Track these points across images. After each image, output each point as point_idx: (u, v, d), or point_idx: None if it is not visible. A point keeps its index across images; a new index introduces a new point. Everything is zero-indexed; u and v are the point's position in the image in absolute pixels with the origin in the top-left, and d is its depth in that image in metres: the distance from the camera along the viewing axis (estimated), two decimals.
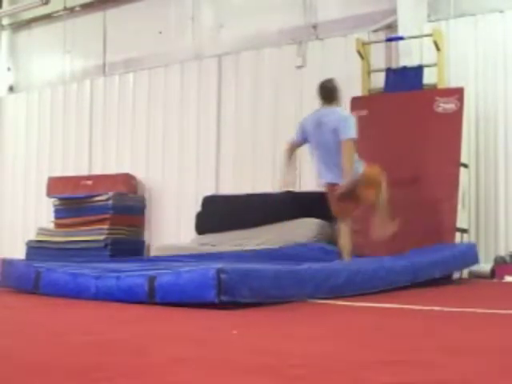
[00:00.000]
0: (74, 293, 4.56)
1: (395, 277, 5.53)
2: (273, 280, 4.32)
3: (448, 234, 7.39)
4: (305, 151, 9.41)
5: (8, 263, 5.28)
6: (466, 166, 7.82)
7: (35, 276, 4.86)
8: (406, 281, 5.62)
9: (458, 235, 7.48)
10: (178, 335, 3.05)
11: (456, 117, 7.70)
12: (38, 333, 3.10)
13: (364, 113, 8.16)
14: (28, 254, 10.79)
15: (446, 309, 4.24)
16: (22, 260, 5.56)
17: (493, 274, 7.44)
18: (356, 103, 8.29)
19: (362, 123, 8.21)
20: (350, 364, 2.32)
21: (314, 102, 9.43)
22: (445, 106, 7.74)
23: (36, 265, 5.13)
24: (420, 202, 7.54)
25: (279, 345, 2.75)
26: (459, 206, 7.54)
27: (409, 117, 7.98)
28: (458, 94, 7.78)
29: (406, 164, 7.81)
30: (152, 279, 4.19)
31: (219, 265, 4.14)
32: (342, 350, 2.66)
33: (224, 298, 3.93)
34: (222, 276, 3.94)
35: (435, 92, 7.94)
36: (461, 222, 7.60)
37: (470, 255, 6.88)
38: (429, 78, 8.10)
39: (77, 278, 4.65)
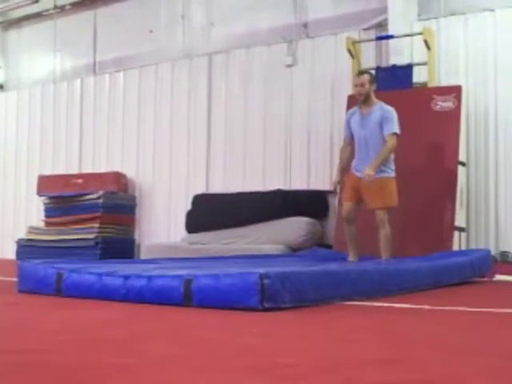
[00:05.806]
0: (101, 294, 4.29)
1: (420, 279, 5.43)
2: (311, 282, 4.15)
3: (446, 233, 7.39)
4: (294, 150, 9.50)
5: (25, 266, 4.92)
6: (463, 164, 7.82)
7: (56, 278, 4.57)
8: (429, 284, 5.49)
9: (455, 234, 7.46)
10: (169, 334, 3.04)
11: (454, 115, 7.68)
12: (28, 331, 3.08)
13: None
14: (18, 252, 10.76)
15: (436, 307, 4.24)
16: (41, 261, 5.31)
17: None
18: (353, 101, 8.24)
19: None
20: (342, 363, 2.31)
21: (304, 100, 9.52)
22: (442, 104, 7.73)
23: (57, 266, 4.79)
24: (418, 200, 7.52)
25: (272, 345, 2.74)
26: (457, 205, 7.54)
27: (406, 115, 7.91)
28: (455, 92, 7.76)
29: (404, 162, 7.76)
30: (188, 282, 3.99)
31: (261, 270, 3.92)
32: (337, 349, 2.65)
33: (267, 305, 3.75)
34: (265, 281, 3.76)
35: (432, 90, 7.91)
36: (459, 221, 7.59)
37: (487, 262, 6.82)
38: (419, 76, 8.10)
39: (103, 278, 4.36)
